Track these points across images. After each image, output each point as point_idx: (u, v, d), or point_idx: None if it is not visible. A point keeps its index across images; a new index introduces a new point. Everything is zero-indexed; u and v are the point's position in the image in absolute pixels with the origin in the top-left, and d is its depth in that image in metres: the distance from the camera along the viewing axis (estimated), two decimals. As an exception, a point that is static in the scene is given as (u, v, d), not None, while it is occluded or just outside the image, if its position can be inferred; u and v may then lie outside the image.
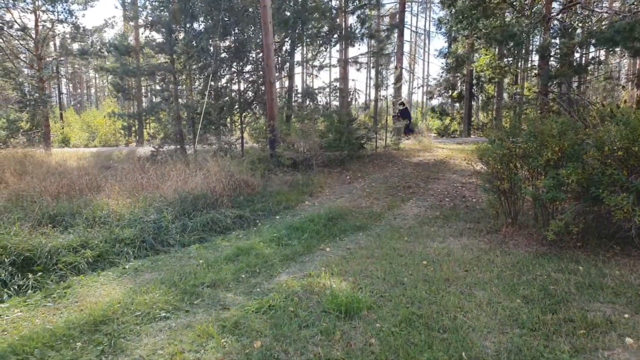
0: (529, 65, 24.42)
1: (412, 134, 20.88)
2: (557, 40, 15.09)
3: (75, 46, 21.04)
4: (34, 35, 18.37)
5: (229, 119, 18.06)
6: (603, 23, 14.41)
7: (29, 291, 5.14)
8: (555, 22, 14.69)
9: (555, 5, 14.68)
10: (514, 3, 15.99)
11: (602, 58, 22.93)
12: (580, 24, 15.74)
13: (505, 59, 22.67)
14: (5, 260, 5.47)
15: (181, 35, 15.94)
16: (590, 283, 4.79)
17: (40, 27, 18.75)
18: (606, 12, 15.22)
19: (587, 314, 4.03)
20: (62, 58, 22.59)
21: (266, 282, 5.28)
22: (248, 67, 17.91)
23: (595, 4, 17.54)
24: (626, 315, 4.01)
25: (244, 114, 17.26)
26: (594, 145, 5.88)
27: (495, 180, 6.98)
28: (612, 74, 22.48)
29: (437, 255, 6.10)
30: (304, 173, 12.64)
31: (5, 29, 17.71)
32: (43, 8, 18.67)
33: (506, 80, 25.74)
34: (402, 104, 20.43)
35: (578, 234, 5.87)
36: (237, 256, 6.30)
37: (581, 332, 3.73)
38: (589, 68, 17.06)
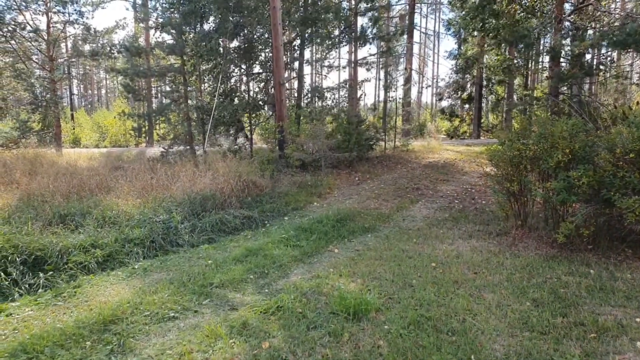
0: (540, 66, 24.22)
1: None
2: (568, 42, 14.99)
3: (87, 47, 21.23)
4: (46, 37, 18.56)
5: (238, 120, 18.11)
6: (615, 25, 14.27)
7: (40, 290, 5.20)
8: (567, 23, 14.57)
9: (566, 6, 14.54)
10: (524, 3, 15.89)
11: (615, 59, 22.74)
12: (591, 25, 15.60)
13: (516, 60, 22.53)
14: (17, 259, 5.53)
15: (191, 36, 16.02)
16: (601, 286, 4.74)
17: (52, 29, 18.94)
18: (618, 14, 15.08)
19: (598, 318, 3.99)
20: (73, 59, 22.78)
21: (274, 283, 5.28)
22: (257, 68, 17.97)
23: (607, 5, 17.36)
24: (638, 319, 3.96)
25: (253, 114, 17.31)
26: (606, 148, 5.82)
27: (505, 182, 6.93)
28: (624, 74, 22.23)
29: (446, 258, 6.07)
30: (312, 174, 12.65)
31: (17, 30, 17.90)
32: (55, 10, 18.86)
33: (516, 82, 25.60)
34: None
35: (589, 236, 5.82)
36: (245, 257, 6.32)
37: (592, 335, 3.69)
38: (600, 69, 16.87)
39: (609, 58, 19.72)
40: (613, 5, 19.60)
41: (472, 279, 5.14)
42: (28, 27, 18.15)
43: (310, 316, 4.21)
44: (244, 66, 17.61)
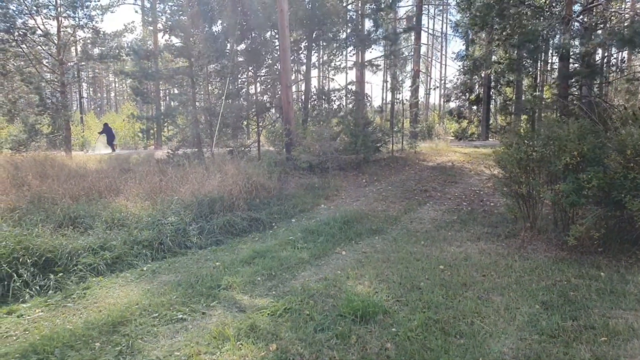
0: (549, 67, 24.05)
1: (114, 151, 22.04)
2: (577, 42, 14.84)
3: (96, 51, 21.39)
4: (56, 41, 18.73)
5: (245, 122, 18.16)
6: (625, 24, 14.14)
7: (50, 291, 5.25)
8: (576, 23, 14.45)
9: (575, 7, 14.43)
10: (532, 3, 15.76)
11: (625, 59, 22.53)
12: (600, 25, 15.47)
13: (524, 61, 22.36)
14: (28, 261, 5.59)
15: (199, 39, 16.10)
16: (612, 289, 4.70)
17: (62, 33, 19.11)
18: (628, 14, 14.96)
19: (608, 321, 3.95)
20: (83, 63, 22.96)
21: (282, 285, 5.29)
22: (264, 71, 18.01)
23: (616, 5, 17.21)
24: (649, 323, 3.92)
25: (261, 117, 17.34)
26: (616, 149, 5.77)
27: (513, 184, 6.89)
28: (635, 75, 22.01)
29: (454, 260, 6.04)
30: (320, 176, 12.64)
31: (28, 34, 18.08)
32: (65, 14, 19.03)
33: (525, 83, 25.44)
34: (106, 124, 24.42)
35: (599, 239, 5.76)
36: (253, 259, 6.33)
37: (602, 339, 3.66)
38: (610, 70, 16.70)
39: (619, 59, 19.54)
40: (623, 6, 19.40)
41: (481, 282, 5.12)
42: (39, 31, 18.35)
43: (317, 318, 4.21)
44: (251, 68, 17.66)
